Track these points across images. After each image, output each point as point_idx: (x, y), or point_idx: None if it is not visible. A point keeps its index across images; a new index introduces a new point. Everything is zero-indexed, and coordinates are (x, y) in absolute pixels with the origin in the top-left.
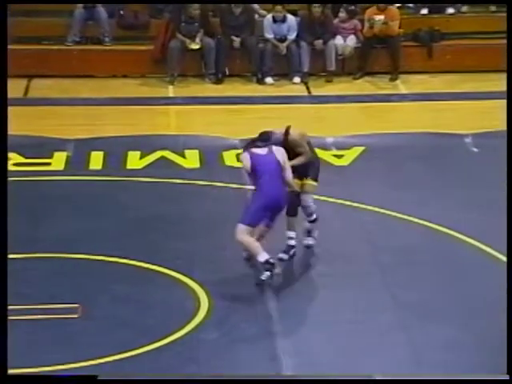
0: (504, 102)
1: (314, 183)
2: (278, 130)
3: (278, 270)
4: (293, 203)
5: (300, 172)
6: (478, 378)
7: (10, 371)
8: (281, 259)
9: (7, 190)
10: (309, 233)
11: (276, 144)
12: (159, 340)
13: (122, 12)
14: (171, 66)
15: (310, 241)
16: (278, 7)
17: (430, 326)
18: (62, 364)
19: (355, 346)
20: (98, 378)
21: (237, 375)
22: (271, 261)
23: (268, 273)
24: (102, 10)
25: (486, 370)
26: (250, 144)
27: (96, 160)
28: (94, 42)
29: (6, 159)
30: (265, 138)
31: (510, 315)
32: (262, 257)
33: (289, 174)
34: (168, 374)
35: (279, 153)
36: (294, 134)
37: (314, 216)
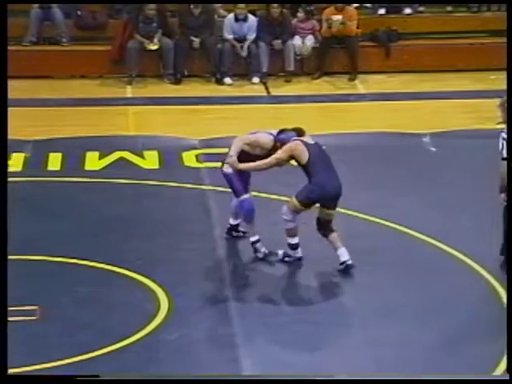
0: (461, 102)
1: (298, 204)
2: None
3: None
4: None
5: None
6: (478, 378)
7: None
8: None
9: (7, 191)
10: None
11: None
12: (119, 341)
13: (79, 12)
14: (129, 67)
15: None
16: (241, 5)
17: (390, 324)
18: (21, 367)
19: (315, 346)
20: (99, 378)
21: (210, 376)
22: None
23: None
24: (57, 10)
25: (445, 368)
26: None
27: (54, 161)
28: (51, 42)
29: (5, 159)
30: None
31: (509, 315)
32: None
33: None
34: (129, 374)
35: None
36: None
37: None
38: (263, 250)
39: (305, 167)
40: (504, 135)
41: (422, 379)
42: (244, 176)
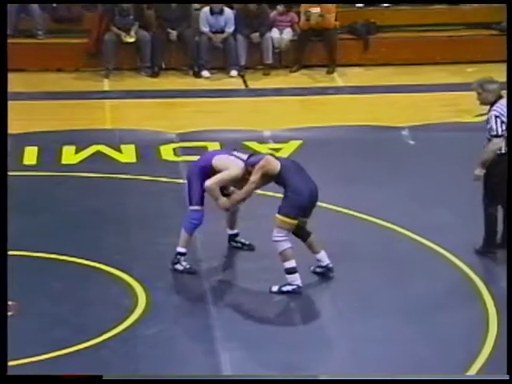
0: (440, 95)
1: (285, 219)
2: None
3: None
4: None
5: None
6: (478, 378)
7: None
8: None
9: (7, 189)
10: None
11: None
12: (97, 337)
13: (54, 5)
14: (106, 60)
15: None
16: None
17: (371, 319)
18: None
19: (294, 341)
20: (103, 378)
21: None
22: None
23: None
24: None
25: (426, 364)
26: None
27: (30, 155)
28: (26, 35)
29: (5, 158)
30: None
31: (510, 315)
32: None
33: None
34: (129, 374)
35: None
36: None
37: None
38: (184, 264)
39: (278, 177)
40: (496, 113)
41: (420, 379)
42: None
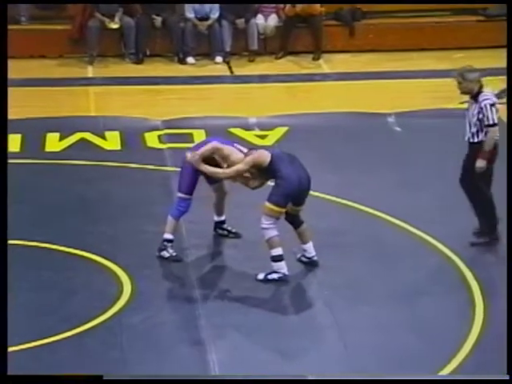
0: (427, 81)
1: (274, 207)
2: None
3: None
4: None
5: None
6: (478, 378)
7: None
8: None
9: (7, 181)
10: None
11: None
12: (81, 325)
13: None
14: (90, 46)
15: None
16: None
17: (359, 307)
18: None
19: (280, 329)
20: (104, 378)
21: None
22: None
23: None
24: None
25: (414, 352)
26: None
27: (14, 143)
28: (10, 21)
29: (5, 150)
30: None
31: (510, 315)
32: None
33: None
34: (129, 374)
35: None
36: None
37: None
38: (171, 251)
39: (268, 167)
40: (490, 101)
41: (425, 379)
42: (198, 173)
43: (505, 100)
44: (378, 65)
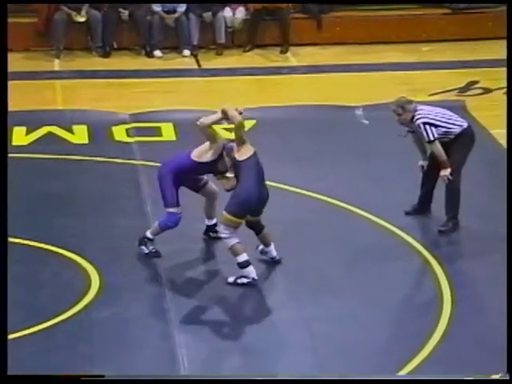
0: (394, 74)
1: (231, 217)
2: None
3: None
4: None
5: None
6: (478, 378)
7: None
8: None
9: (7, 178)
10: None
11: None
12: (50, 319)
13: None
14: (56, 39)
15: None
16: None
17: (324, 300)
18: None
19: (248, 321)
20: (104, 378)
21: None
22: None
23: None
24: None
25: (380, 344)
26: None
27: None
28: None
29: (6, 146)
30: None
31: (509, 314)
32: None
33: None
34: (129, 374)
35: None
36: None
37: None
38: (151, 247)
39: (239, 164)
40: (421, 120)
41: (412, 379)
42: (177, 184)
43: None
44: (346, 57)
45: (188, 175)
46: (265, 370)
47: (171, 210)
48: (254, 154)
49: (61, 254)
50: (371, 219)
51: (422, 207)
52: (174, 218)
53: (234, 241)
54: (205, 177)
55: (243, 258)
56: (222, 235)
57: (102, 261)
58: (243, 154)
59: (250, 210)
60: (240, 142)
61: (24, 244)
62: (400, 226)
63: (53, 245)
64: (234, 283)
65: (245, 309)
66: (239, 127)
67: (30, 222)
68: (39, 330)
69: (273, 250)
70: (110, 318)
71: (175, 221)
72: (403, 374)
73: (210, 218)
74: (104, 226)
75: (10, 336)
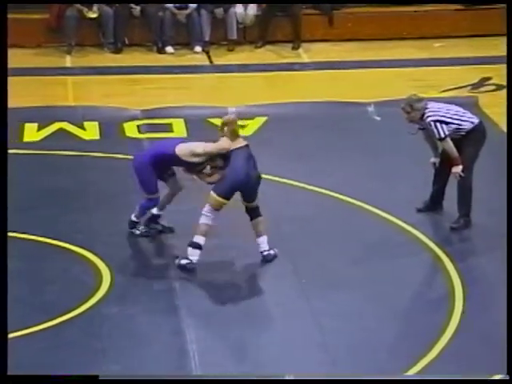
0: (406, 70)
1: (216, 197)
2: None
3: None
4: None
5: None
6: (478, 378)
7: None
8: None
9: (7, 176)
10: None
11: None
12: (60, 316)
13: None
14: (68, 36)
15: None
16: None
17: (332, 295)
18: None
19: (256, 317)
20: (100, 379)
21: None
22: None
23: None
24: None
25: (390, 340)
26: None
27: None
28: None
29: (5, 145)
30: None
31: (509, 314)
32: None
33: None
34: (129, 374)
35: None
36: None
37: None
38: (141, 228)
39: (226, 161)
40: (432, 118)
41: (413, 379)
42: (156, 173)
43: None
44: (358, 54)
45: (165, 166)
46: (276, 365)
47: (150, 196)
48: (247, 146)
49: (71, 250)
50: (381, 215)
51: (434, 204)
52: (153, 202)
53: (207, 221)
54: (174, 167)
55: (200, 240)
56: (203, 211)
57: (112, 256)
58: (235, 145)
59: (236, 189)
60: (233, 136)
61: (33, 240)
62: (411, 223)
63: (63, 241)
64: (178, 265)
65: (255, 305)
66: (232, 122)
67: (40, 217)
68: (50, 327)
69: (263, 243)
70: (121, 313)
71: (155, 203)
72: (413, 372)
73: (161, 208)
74: (114, 221)
75: (20, 332)
